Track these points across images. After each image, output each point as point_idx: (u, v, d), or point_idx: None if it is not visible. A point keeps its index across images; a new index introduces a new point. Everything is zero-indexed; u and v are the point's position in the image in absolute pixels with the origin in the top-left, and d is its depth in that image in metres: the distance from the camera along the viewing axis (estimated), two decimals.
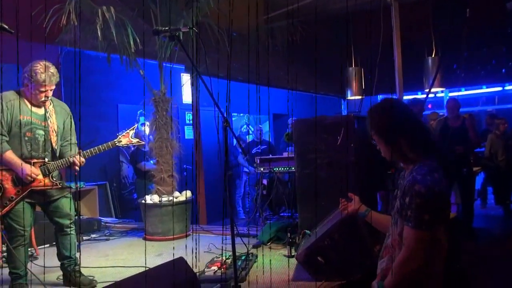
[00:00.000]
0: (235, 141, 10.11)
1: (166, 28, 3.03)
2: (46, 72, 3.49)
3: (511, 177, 8.19)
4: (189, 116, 8.90)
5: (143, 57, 5.33)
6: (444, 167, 2.02)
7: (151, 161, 6.17)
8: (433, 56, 7.92)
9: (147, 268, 2.86)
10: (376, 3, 5.05)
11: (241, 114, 11.01)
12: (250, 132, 10.69)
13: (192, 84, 6.48)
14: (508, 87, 13.13)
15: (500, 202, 8.24)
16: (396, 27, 4.38)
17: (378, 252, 2.69)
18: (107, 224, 6.40)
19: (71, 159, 3.63)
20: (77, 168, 3.63)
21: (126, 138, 3.86)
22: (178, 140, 5.95)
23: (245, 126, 10.56)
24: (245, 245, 3.93)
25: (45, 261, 4.34)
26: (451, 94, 11.61)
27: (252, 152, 8.68)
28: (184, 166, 8.70)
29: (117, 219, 6.94)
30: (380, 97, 13.29)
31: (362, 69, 8.27)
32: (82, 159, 3.64)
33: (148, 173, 6.06)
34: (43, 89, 3.52)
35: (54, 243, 5.21)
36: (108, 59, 5.32)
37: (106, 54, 5.22)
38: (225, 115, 3.03)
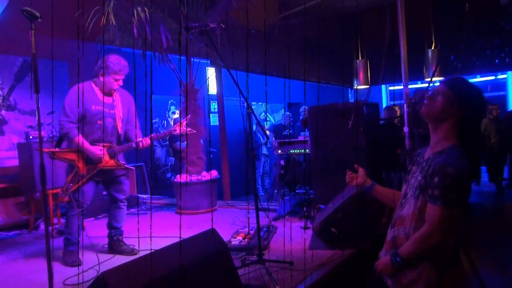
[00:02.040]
0: (254, 127, 10.08)
1: (197, 24, 2.98)
2: (120, 64, 3.63)
3: (502, 157, 8.05)
4: (214, 105, 8.87)
5: (173, 53, 5.30)
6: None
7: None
8: (432, 48, 7.74)
9: (181, 239, 2.86)
10: (382, 1, 4.93)
11: (260, 103, 10.94)
12: (268, 119, 10.63)
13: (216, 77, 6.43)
14: (500, 76, 12.80)
15: (493, 179, 8.10)
16: (402, 21, 4.27)
17: (385, 224, 2.64)
18: (144, 200, 6.45)
19: (134, 145, 3.69)
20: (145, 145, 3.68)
21: (180, 127, 3.87)
22: (205, 126, 5.93)
23: (263, 114, 10.49)
24: (267, 217, 3.90)
25: (91, 232, 4.42)
26: None
27: (284, 133, 8.63)
28: (211, 149, 8.71)
29: (152, 196, 6.98)
30: (383, 86, 13.15)
31: (368, 61, 8.14)
32: (148, 142, 3.71)
33: (180, 153, 6.07)
34: (117, 78, 3.64)
35: (100, 216, 5.34)
36: (144, 55, 5.30)
37: (141, 50, 5.19)
38: (249, 103, 2.98)
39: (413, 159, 2.11)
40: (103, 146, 3.60)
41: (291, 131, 8.72)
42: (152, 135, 3.78)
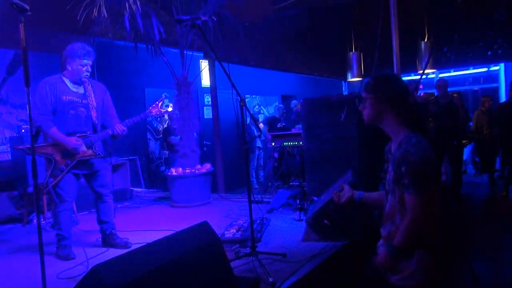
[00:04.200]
0: (248, 119, 10.08)
1: (188, 17, 2.97)
2: (83, 49, 3.57)
3: (494, 149, 8.10)
4: (207, 98, 8.84)
5: (166, 45, 5.27)
6: (435, 139, 2.03)
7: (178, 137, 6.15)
8: (425, 40, 7.76)
9: (175, 232, 2.86)
10: None
11: (253, 96, 10.93)
12: (262, 112, 10.63)
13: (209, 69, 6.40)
14: (493, 68, 12.86)
15: (485, 170, 8.16)
16: (395, 13, 4.27)
17: (378, 215, 2.67)
18: (138, 194, 6.45)
19: (109, 131, 3.65)
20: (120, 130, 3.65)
21: (155, 109, 3.85)
22: (198, 119, 5.92)
23: (256, 107, 10.48)
24: (261, 211, 3.91)
25: (85, 226, 4.42)
26: (441, 75, 11.41)
27: (277, 126, 8.64)
28: (205, 142, 8.70)
29: (146, 189, 6.98)
30: None
31: (361, 54, 8.15)
32: (123, 127, 3.67)
33: (174, 147, 6.07)
34: (84, 62, 3.57)
35: (93, 210, 5.32)
36: (136, 47, 5.26)
37: (134, 43, 5.15)
38: (241, 96, 2.98)
39: (385, 156, 2.16)
40: (79, 136, 3.58)
41: (284, 124, 8.73)
42: (126, 120, 3.74)
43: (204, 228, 2.24)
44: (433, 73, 10.74)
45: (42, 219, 4.92)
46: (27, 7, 2.14)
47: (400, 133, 2.02)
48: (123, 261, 1.79)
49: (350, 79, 8.44)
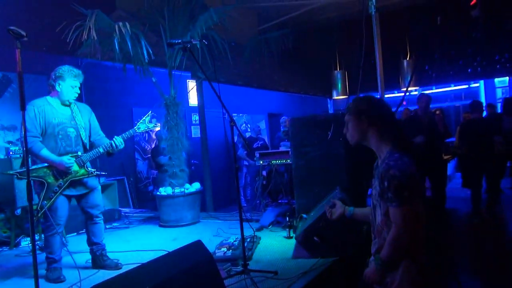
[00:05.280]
0: (235, 138, 10.12)
1: (179, 40, 3.04)
2: (73, 71, 3.63)
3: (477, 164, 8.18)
4: (195, 117, 8.89)
5: (154, 66, 5.33)
6: (415, 156, 2.11)
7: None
8: (408, 59, 7.97)
9: (166, 252, 2.88)
10: (358, 14, 5.08)
11: (240, 114, 11.02)
12: (248, 130, 10.69)
13: (197, 89, 6.47)
14: (473, 85, 13.22)
15: (467, 185, 8.25)
16: (378, 34, 4.41)
17: (367, 231, 2.73)
18: (126, 214, 6.40)
19: (101, 150, 3.68)
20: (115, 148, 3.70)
21: (143, 125, 3.88)
22: (187, 138, 5.95)
23: (244, 125, 10.56)
24: (252, 228, 3.94)
25: (74, 247, 4.38)
26: (424, 92, 11.66)
27: (253, 147, 8.72)
28: (192, 161, 8.71)
29: (134, 209, 6.94)
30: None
31: (346, 72, 8.32)
32: (120, 140, 3.70)
33: (163, 167, 6.07)
34: (74, 85, 3.63)
35: (82, 231, 5.27)
36: (124, 68, 5.31)
37: (122, 64, 5.20)
38: (231, 116, 3.04)
39: (373, 173, 2.25)
40: (71, 156, 3.59)
41: (262, 142, 8.78)
42: (123, 134, 3.77)
43: (197, 247, 2.26)
44: (415, 90, 11.00)
45: (31, 242, 4.86)
46: (24, 33, 2.19)
47: (384, 150, 2.09)
48: (117, 283, 1.81)
49: (335, 97, 8.59)
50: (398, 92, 11.03)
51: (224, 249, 3.84)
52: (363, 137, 2.16)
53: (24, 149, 3.47)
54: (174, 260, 2.11)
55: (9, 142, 5.10)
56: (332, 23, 7.46)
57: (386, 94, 10.84)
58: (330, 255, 3.50)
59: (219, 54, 5.40)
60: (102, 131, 3.95)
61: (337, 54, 8.16)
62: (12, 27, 2.16)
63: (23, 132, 2.31)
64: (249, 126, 10.91)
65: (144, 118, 3.87)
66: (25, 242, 4.94)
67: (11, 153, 4.87)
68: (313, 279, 3.15)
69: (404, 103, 13.00)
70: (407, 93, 11.50)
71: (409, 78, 6.54)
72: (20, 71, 2.14)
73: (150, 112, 3.92)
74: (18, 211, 4.71)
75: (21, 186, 4.49)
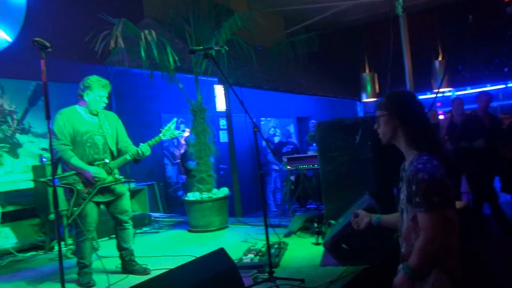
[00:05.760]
0: (264, 142, 10.10)
1: (201, 47, 3.05)
2: (101, 82, 3.71)
3: None
4: (223, 122, 8.93)
5: (181, 72, 5.38)
6: (450, 161, 2.01)
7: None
8: (440, 59, 7.76)
9: (193, 257, 2.87)
10: (386, 14, 4.97)
11: (268, 118, 10.99)
12: (277, 134, 10.65)
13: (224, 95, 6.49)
14: (510, 84, 12.69)
15: (506, 190, 7.93)
16: (405, 34, 4.29)
17: (397, 238, 2.64)
18: (156, 219, 6.48)
19: (128, 157, 3.73)
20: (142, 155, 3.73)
21: (168, 132, 3.90)
22: (214, 143, 5.98)
23: (272, 129, 10.51)
24: (277, 235, 3.88)
25: (105, 252, 4.45)
26: (457, 93, 11.33)
27: (282, 151, 8.69)
28: (221, 166, 8.74)
29: (164, 214, 7.01)
30: None
31: (375, 74, 8.17)
32: (146, 147, 3.74)
33: (191, 172, 6.11)
34: (102, 94, 3.70)
35: (113, 236, 5.36)
36: (151, 75, 5.38)
37: (150, 71, 5.28)
38: (254, 121, 3.02)
39: (400, 175, 2.16)
40: (98, 164, 3.65)
41: (292, 147, 8.71)
42: (148, 141, 3.80)
43: (220, 254, 2.24)
44: (449, 91, 10.69)
45: (63, 246, 4.99)
46: (49, 44, 2.24)
47: (413, 152, 2.00)
48: None
49: (364, 100, 8.45)
50: (430, 94, 10.74)
51: (251, 255, 3.81)
52: (394, 136, 2.05)
53: (55, 157, 3.60)
54: (197, 268, 2.10)
55: (43, 149, 5.26)
56: (360, 25, 7.35)
57: (417, 95, 10.60)
58: (359, 262, 3.41)
59: (245, 59, 5.40)
60: (132, 137, 4.01)
61: (365, 56, 8.03)
62: (37, 38, 2.21)
63: (51, 140, 2.34)
64: (277, 130, 10.88)
65: (169, 125, 3.89)
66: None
67: (44, 160, 5.02)
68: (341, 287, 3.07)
69: (438, 104, 12.67)
70: (440, 95, 11.20)
71: (440, 79, 6.33)
72: (45, 81, 2.18)
73: (175, 119, 3.95)
74: (52, 216, 4.84)
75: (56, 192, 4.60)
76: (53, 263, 4.51)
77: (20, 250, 4.93)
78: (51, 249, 5.02)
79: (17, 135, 5.54)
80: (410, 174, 1.90)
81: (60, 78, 5.83)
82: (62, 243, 4.98)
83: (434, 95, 7.58)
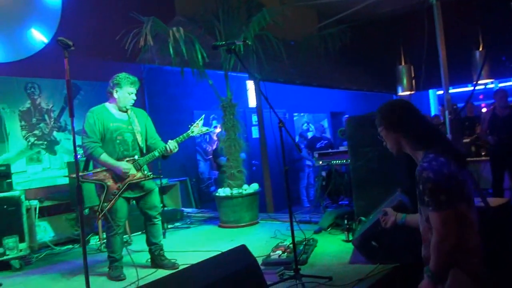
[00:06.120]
0: (297, 138, 10.04)
1: (223, 42, 3.03)
2: (129, 78, 3.77)
3: None
4: (255, 118, 8.92)
5: (211, 68, 5.40)
6: (494, 154, 1.99)
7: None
8: (480, 49, 7.40)
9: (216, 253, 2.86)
10: (420, 4, 4.78)
11: (301, 114, 10.89)
12: (310, 129, 10.54)
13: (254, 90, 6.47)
14: None
15: None
16: (440, 24, 4.11)
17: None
18: (188, 214, 6.56)
19: (156, 153, 3.77)
20: (169, 152, 3.74)
21: (197, 128, 3.90)
22: (245, 139, 5.97)
23: (305, 125, 10.42)
24: (302, 232, 3.83)
25: (138, 246, 4.54)
26: (501, 85, 10.81)
27: (316, 146, 8.60)
28: (253, 161, 8.74)
29: (196, 210, 7.08)
30: (431, 91, 12.71)
31: (411, 66, 7.91)
32: (174, 144, 3.76)
33: (222, 168, 6.14)
34: (131, 91, 3.76)
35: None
36: (182, 72, 5.43)
37: (180, 68, 5.32)
38: (284, 116, 2.97)
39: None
40: (127, 160, 3.71)
41: (326, 142, 8.60)
42: (177, 138, 3.82)
43: (241, 252, 2.22)
44: (491, 82, 10.20)
45: (97, 241, 5.13)
46: (71, 43, 2.28)
47: (419, 152, 1.99)
48: (159, 287, 1.81)
49: (400, 93, 8.20)
50: (471, 85, 10.29)
51: (279, 251, 3.78)
52: (399, 146, 2.08)
53: (85, 154, 3.70)
54: (217, 265, 2.09)
55: (79, 146, 5.39)
56: (394, 16, 7.12)
57: (458, 88, 10.20)
58: (389, 261, 3.31)
59: (275, 54, 5.35)
60: (165, 134, 4.05)
61: (401, 48, 7.77)
62: (60, 38, 2.26)
63: (74, 137, 2.39)
64: (311, 125, 10.76)
65: (197, 121, 3.90)
66: (94, 240, 5.21)
67: (79, 156, 5.15)
68: (369, 287, 2.99)
69: (481, 96, 12.13)
70: (482, 86, 10.73)
71: (479, 70, 6.03)
72: (68, 79, 2.22)
73: (203, 115, 3.96)
74: (86, 211, 4.98)
75: (88, 187, 4.74)
76: (88, 256, 4.63)
77: (57, 244, 5.12)
78: (87, 242, 5.17)
79: (55, 133, 5.74)
80: (417, 173, 1.87)
81: (95, 77, 5.99)
82: (97, 237, 5.15)
83: (478, 87, 7.24)
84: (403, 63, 7.92)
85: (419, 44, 5.40)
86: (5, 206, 4.20)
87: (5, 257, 4.14)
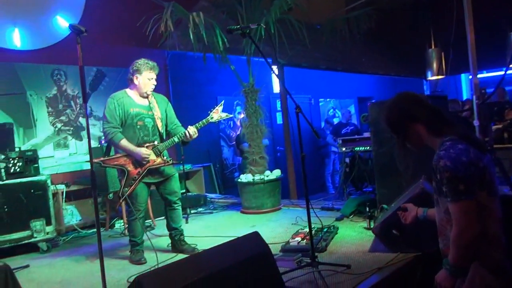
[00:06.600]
0: (323, 124, 9.93)
1: (238, 26, 2.98)
2: (149, 64, 3.77)
3: None
4: (279, 104, 8.86)
5: (233, 54, 5.36)
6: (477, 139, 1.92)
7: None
8: None
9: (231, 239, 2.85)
10: None
11: (327, 99, 10.74)
12: (336, 115, 10.41)
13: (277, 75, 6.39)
14: None
15: None
16: (468, 6, 3.92)
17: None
18: (211, 199, 6.60)
19: (176, 139, 3.79)
20: (189, 137, 3.74)
21: (216, 114, 3.88)
22: (268, 125, 5.93)
23: (331, 110, 10.28)
24: (319, 219, 3.78)
25: (160, 231, 4.61)
26: None
27: (341, 132, 8.49)
28: (278, 147, 8.71)
29: (220, 195, 7.13)
30: (463, 76, 12.28)
31: (442, 50, 7.62)
32: (194, 130, 3.75)
33: (245, 153, 6.13)
34: (150, 76, 3.77)
35: None
36: (204, 58, 5.41)
37: (202, 53, 5.30)
38: (296, 102, 2.92)
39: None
40: (147, 146, 3.73)
41: (352, 128, 8.46)
42: (196, 124, 3.80)
43: (254, 238, 2.21)
44: None
45: (121, 224, 5.24)
46: (84, 29, 2.28)
47: (436, 140, 1.91)
48: (168, 272, 1.82)
49: (430, 78, 7.94)
50: (507, 69, 9.85)
51: (299, 238, 3.76)
52: (419, 140, 1.98)
53: (106, 139, 3.75)
54: (229, 251, 2.09)
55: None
56: None
57: (491, 72, 9.78)
58: (411, 250, 3.24)
59: (298, 38, 5.25)
60: (189, 120, 4.04)
61: (431, 30, 7.49)
62: (72, 24, 2.27)
63: (88, 122, 2.41)
64: (337, 111, 10.61)
65: (217, 107, 3.88)
66: (119, 224, 5.33)
67: (102, 142, 5.27)
68: (388, 275, 2.94)
69: None
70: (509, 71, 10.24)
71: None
72: (82, 65, 2.24)
73: (223, 101, 3.93)
74: (111, 195, 5.09)
75: (112, 172, 4.83)
76: (112, 240, 4.76)
77: (83, 227, 5.26)
78: (112, 226, 5.30)
79: (80, 119, 5.86)
80: (434, 162, 1.78)
81: (120, 64, 6.06)
82: (121, 221, 5.26)
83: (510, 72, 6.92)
84: (433, 47, 7.65)
85: (448, 27, 5.19)
86: (32, 190, 4.32)
87: (32, 240, 4.28)
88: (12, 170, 4.25)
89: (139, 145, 3.73)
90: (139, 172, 3.71)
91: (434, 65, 7.58)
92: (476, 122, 3.68)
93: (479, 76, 4.19)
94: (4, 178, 4.19)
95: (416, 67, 8.85)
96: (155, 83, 3.84)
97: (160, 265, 3.47)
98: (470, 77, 4.35)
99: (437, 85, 8.22)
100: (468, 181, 1.69)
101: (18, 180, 4.26)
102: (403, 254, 3.23)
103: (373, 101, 7.87)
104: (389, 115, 2.03)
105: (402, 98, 2.05)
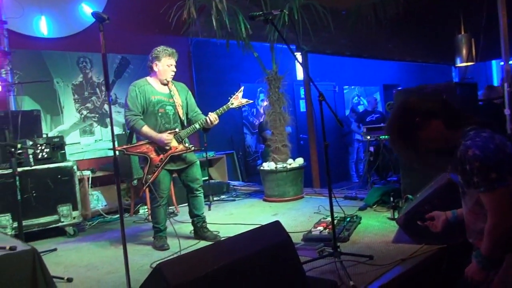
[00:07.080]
0: (347, 111, 9.80)
1: (260, 12, 2.93)
2: (167, 51, 3.78)
3: None
4: (303, 91, 8.77)
5: (257, 40, 5.30)
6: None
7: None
8: None
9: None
10: None
11: (352, 87, 10.57)
12: (361, 103, 10.24)
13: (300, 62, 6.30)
14: None
15: None
16: None
17: None
18: (234, 187, 6.63)
19: (197, 125, 3.80)
20: (210, 124, 3.74)
21: (236, 100, 3.86)
22: (292, 113, 5.88)
23: (356, 98, 10.13)
24: (342, 209, 3.74)
25: (184, 218, 4.65)
26: None
27: (367, 120, 8.37)
28: (301, 135, 8.65)
29: (243, 183, 7.14)
30: (494, 62, 11.85)
31: (472, 36, 7.35)
32: (215, 116, 3.75)
33: (267, 141, 6.12)
34: (170, 63, 3.79)
35: None
36: (227, 45, 5.38)
37: (225, 40, 5.27)
38: (319, 90, 2.87)
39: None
40: (169, 133, 3.75)
41: (378, 116, 8.32)
42: (217, 110, 3.80)
43: (275, 228, 2.20)
44: None
45: (146, 210, 5.32)
46: (106, 16, 2.28)
47: (457, 135, 1.80)
48: (189, 260, 1.83)
49: (459, 64, 7.69)
50: None
51: (321, 228, 3.73)
52: (437, 137, 1.84)
53: (128, 127, 3.79)
54: (250, 240, 2.08)
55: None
56: None
57: None
58: (436, 241, 3.16)
59: (323, 24, 5.15)
60: (212, 107, 4.04)
61: (461, 15, 7.22)
62: (95, 11, 2.27)
63: (111, 109, 2.43)
64: (362, 99, 10.45)
65: (236, 93, 3.86)
66: (143, 210, 5.41)
67: (127, 129, 5.32)
68: (412, 267, 2.88)
69: None
70: None
71: None
72: (104, 53, 2.24)
73: (242, 87, 3.90)
74: (135, 182, 5.16)
75: (136, 159, 4.89)
76: (136, 225, 4.84)
77: (109, 212, 5.36)
78: (136, 212, 5.39)
79: (105, 106, 5.94)
80: (461, 153, 1.69)
81: (144, 51, 6.08)
82: (145, 207, 5.34)
83: None
84: (462, 32, 7.39)
85: (479, 11, 5.00)
86: (59, 176, 4.41)
87: (59, 224, 4.39)
88: (40, 156, 4.34)
89: (161, 132, 3.76)
90: (161, 159, 3.74)
91: (464, 51, 7.31)
92: (507, 111, 3.54)
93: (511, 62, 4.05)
94: (32, 164, 4.29)
95: (444, 54, 8.58)
96: (175, 69, 3.84)
97: (182, 252, 3.52)
98: (502, 63, 4.19)
99: (466, 72, 7.97)
100: (499, 168, 1.63)
101: (46, 166, 4.36)
102: (427, 246, 3.16)
103: (399, 88, 7.71)
104: (398, 119, 1.91)
105: (408, 99, 1.94)
